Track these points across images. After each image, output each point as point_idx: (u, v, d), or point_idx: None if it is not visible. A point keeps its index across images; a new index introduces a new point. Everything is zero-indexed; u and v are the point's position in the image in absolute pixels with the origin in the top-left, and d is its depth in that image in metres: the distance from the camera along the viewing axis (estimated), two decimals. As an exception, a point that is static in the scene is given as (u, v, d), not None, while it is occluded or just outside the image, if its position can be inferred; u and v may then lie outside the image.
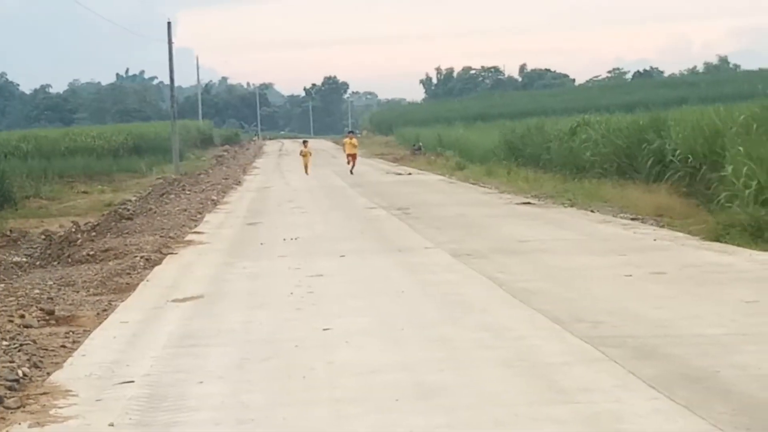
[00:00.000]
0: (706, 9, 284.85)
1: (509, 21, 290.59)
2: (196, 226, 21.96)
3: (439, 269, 13.82)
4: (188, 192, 33.29)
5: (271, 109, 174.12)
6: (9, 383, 8.03)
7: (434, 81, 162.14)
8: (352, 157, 42.90)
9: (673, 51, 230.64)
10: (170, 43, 51.93)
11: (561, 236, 17.31)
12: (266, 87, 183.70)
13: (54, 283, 14.06)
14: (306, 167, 42.07)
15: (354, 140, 44.55)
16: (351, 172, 41.10)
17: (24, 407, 7.49)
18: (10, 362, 8.71)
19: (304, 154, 42.81)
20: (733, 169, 17.79)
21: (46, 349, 9.54)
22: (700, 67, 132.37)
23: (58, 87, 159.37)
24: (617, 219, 19.77)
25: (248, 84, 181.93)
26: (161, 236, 19.27)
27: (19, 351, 9.19)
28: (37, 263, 17.61)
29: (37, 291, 13.20)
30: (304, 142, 44.84)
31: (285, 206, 26.53)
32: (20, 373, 8.38)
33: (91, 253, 17.34)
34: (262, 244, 17.94)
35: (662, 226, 18.13)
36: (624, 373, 7.77)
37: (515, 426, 6.56)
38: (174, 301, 12.11)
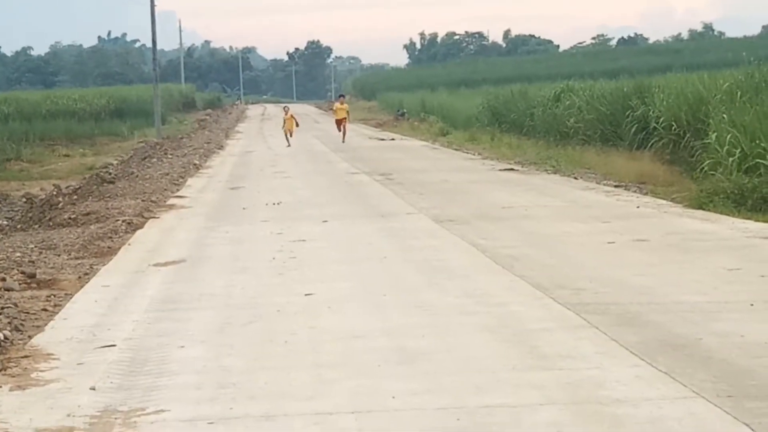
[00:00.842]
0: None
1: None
2: (178, 190, 21.89)
3: (422, 235, 13.82)
4: (170, 156, 33.14)
5: (253, 74, 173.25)
6: (-10, 346, 8.00)
7: (418, 46, 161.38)
8: (342, 124, 38.70)
9: (656, 18, 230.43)
10: (153, 5, 51.54)
11: (544, 203, 17.32)
12: (249, 51, 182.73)
13: (35, 247, 13.99)
14: (288, 135, 37.17)
15: (345, 105, 40.13)
16: (343, 141, 37.50)
17: (5, 370, 7.46)
18: (-9, 325, 8.67)
19: (287, 125, 37.49)
20: (716, 137, 17.80)
21: (28, 313, 9.50)
22: (685, 34, 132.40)
23: (40, 49, 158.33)
24: (600, 186, 19.79)
25: (231, 48, 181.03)
26: (143, 200, 19.19)
27: (0, 314, 9.15)
28: (18, 226, 17.53)
29: (18, 254, 13.12)
30: (286, 109, 39.76)
31: (267, 171, 26.44)
32: (1, 336, 8.33)
33: (73, 216, 17.26)
34: (244, 208, 17.88)
35: (645, 194, 18.16)
36: (606, 340, 7.79)
37: (496, 392, 6.57)
38: (156, 265, 12.08)
